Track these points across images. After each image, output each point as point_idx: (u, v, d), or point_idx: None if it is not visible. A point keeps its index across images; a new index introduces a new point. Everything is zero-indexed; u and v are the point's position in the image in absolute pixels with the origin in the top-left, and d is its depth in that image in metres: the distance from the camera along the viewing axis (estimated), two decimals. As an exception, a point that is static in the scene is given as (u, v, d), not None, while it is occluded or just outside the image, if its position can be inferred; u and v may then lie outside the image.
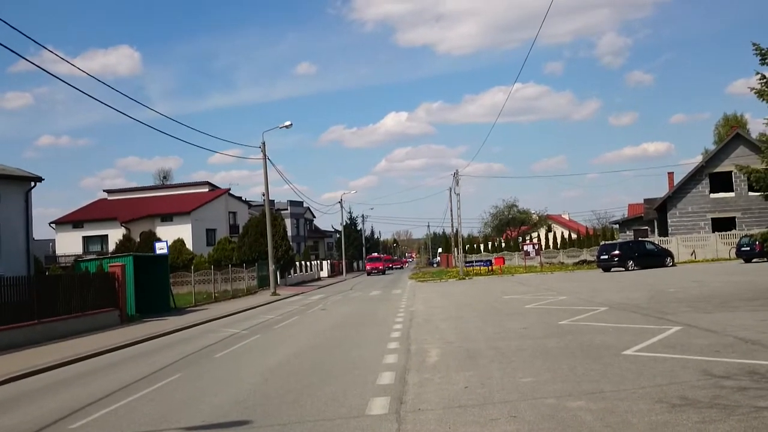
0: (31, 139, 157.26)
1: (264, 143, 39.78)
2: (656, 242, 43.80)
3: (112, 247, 50.23)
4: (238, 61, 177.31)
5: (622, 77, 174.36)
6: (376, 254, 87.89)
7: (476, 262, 54.10)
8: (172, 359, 13.91)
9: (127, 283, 24.75)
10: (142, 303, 26.19)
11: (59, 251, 55.24)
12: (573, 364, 9.65)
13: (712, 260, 42.18)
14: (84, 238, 56.79)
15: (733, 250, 42.81)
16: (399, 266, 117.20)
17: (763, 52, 16.46)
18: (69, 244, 55.77)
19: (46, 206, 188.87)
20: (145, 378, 11.61)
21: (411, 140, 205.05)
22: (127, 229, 52.81)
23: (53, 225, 58.52)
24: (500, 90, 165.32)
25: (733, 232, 44.47)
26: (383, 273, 73.74)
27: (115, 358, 15.21)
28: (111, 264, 24.94)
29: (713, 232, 45.46)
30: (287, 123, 40.79)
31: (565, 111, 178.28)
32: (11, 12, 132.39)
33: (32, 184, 23.90)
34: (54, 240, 57.87)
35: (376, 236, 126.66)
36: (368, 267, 76.22)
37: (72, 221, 58.58)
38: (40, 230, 75.99)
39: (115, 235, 52.36)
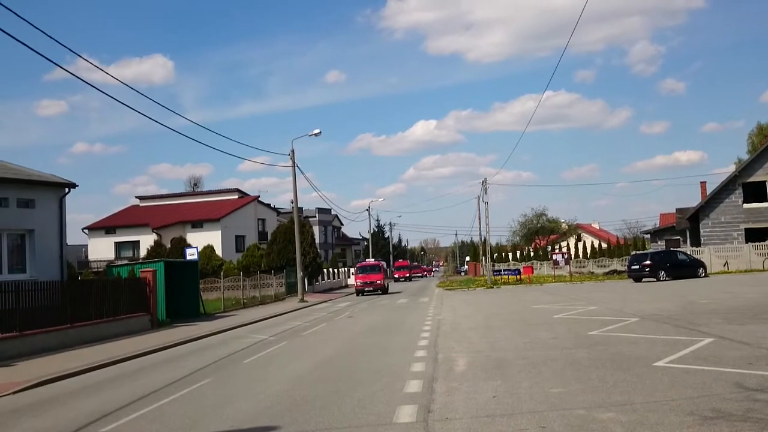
0: (65, 146, 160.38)
1: (293, 151, 40.09)
2: (688, 252, 43.16)
3: (143, 252, 50.84)
4: (269, 70, 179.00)
5: (654, 85, 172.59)
6: (371, 261, 54.96)
7: (504, 270, 53.72)
8: (202, 364, 14.04)
9: (158, 288, 25.04)
10: (172, 308, 26.47)
11: (92, 256, 56.08)
12: (603, 375, 9.55)
13: (746, 271, 41.44)
14: (116, 243, 57.57)
15: (767, 261, 42.08)
16: (420, 274, 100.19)
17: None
18: (101, 249, 56.59)
19: (80, 212, 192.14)
20: (175, 382, 11.73)
21: (440, 148, 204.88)
22: (158, 235, 53.44)
23: (86, 230, 59.41)
24: (530, 98, 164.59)
25: (767, 242, 43.68)
26: (383, 291, 45.24)
27: (146, 362, 15.38)
28: (142, 269, 25.26)
29: (746, 242, 44.68)
30: (316, 131, 41.07)
31: (596, 119, 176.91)
32: (48, 21, 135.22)
33: (66, 190, 24.26)
34: (87, 245, 58.75)
35: (403, 244, 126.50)
36: (358, 282, 46.03)
37: (104, 227, 59.43)
38: (74, 236, 77.16)
39: (146, 240, 52.99)
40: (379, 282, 45.21)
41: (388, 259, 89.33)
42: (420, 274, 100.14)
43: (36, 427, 8.83)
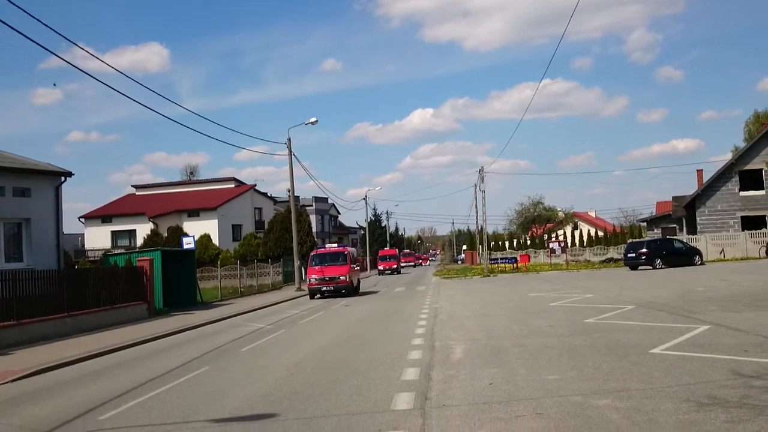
0: (61, 134, 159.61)
1: (290, 139, 40.02)
2: (684, 240, 43.27)
3: (140, 241, 50.86)
4: (265, 58, 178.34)
5: (651, 73, 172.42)
6: (333, 246, 38.07)
7: (501, 259, 53.86)
8: (200, 352, 14.07)
9: (155, 277, 25.04)
10: (169, 297, 26.48)
11: (88, 245, 55.99)
12: (599, 362, 9.59)
13: (741, 259, 41.58)
14: (112, 232, 57.52)
15: (763, 249, 42.24)
16: (412, 263, 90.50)
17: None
18: (98, 238, 56.52)
19: (76, 201, 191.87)
20: (173, 371, 11.76)
21: (437, 137, 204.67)
22: (155, 224, 53.38)
23: (82, 219, 59.35)
24: (528, 86, 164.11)
25: (763, 230, 43.84)
26: (348, 292, 30.92)
27: (144, 350, 15.41)
28: (139, 258, 25.26)
29: (743, 230, 44.82)
30: (313, 119, 40.98)
31: (593, 107, 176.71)
32: (43, 9, 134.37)
33: (62, 179, 24.19)
34: (83, 234, 58.69)
35: (400, 233, 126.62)
36: (312, 278, 31.08)
37: (101, 216, 59.34)
38: (70, 224, 77.12)
39: (143, 229, 52.98)
40: (342, 278, 30.34)
41: (384, 247, 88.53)
42: (412, 263, 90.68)
43: (35, 415, 8.85)
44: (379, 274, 62.04)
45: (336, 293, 30.69)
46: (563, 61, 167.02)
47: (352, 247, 40.34)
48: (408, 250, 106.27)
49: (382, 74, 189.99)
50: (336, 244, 37.21)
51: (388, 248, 77.36)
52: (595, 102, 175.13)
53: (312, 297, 30.84)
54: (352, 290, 31.41)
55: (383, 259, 66.36)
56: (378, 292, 32.98)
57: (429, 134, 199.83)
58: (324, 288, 30.71)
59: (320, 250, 33.88)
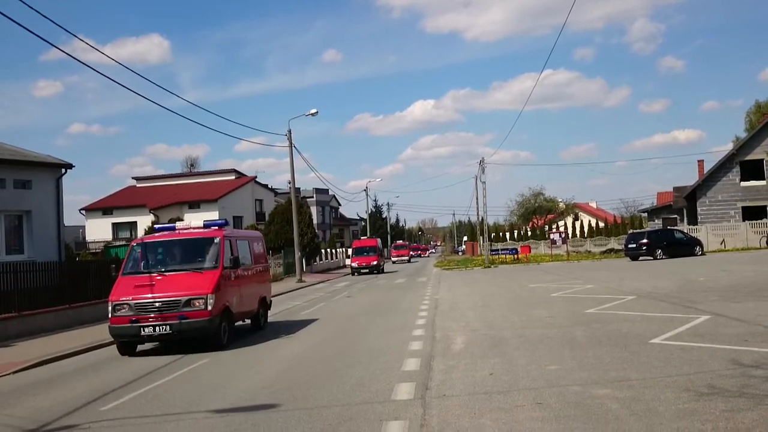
0: (62, 126, 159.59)
1: (290, 131, 39.94)
2: (685, 231, 43.24)
3: (140, 233, 50.80)
4: (266, 49, 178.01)
5: (653, 63, 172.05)
6: (189, 225, 14.91)
7: (502, 250, 53.89)
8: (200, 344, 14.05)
9: (156, 269, 25.02)
10: (170, 289, 26.44)
11: (89, 237, 56.00)
12: (599, 352, 9.61)
13: (742, 249, 41.57)
14: (113, 224, 57.47)
15: (764, 239, 42.21)
16: (406, 257, 73.73)
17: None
18: (99, 230, 56.50)
19: (77, 193, 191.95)
20: (174, 362, 11.77)
21: (438, 128, 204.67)
22: (156, 215, 53.32)
23: (83, 211, 59.30)
24: (529, 77, 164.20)
25: (764, 220, 43.79)
26: (216, 343, 12.68)
27: (145, 342, 15.39)
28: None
29: (743, 220, 44.78)
30: (313, 111, 40.92)
31: (595, 98, 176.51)
32: (43, 0, 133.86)
33: (63, 170, 24.20)
34: (84, 226, 58.68)
35: (401, 224, 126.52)
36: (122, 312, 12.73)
37: (102, 208, 59.31)
38: (71, 216, 77.09)
39: (143, 221, 52.87)
40: (194, 311, 12.57)
41: (385, 239, 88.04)
42: (406, 257, 73.42)
43: (37, 407, 8.87)
44: (352, 274, 46.47)
45: (180, 341, 13.08)
46: (565, 52, 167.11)
47: (254, 230, 24.03)
48: (401, 242, 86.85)
49: (382, 65, 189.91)
50: (213, 225, 15.00)
51: (366, 237, 61.70)
52: (596, 92, 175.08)
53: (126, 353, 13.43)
54: (219, 340, 13.04)
55: (358, 253, 48.64)
56: (314, 323, 16.30)
57: (430, 125, 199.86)
58: (150, 334, 12.69)
59: (147, 237, 15.93)
